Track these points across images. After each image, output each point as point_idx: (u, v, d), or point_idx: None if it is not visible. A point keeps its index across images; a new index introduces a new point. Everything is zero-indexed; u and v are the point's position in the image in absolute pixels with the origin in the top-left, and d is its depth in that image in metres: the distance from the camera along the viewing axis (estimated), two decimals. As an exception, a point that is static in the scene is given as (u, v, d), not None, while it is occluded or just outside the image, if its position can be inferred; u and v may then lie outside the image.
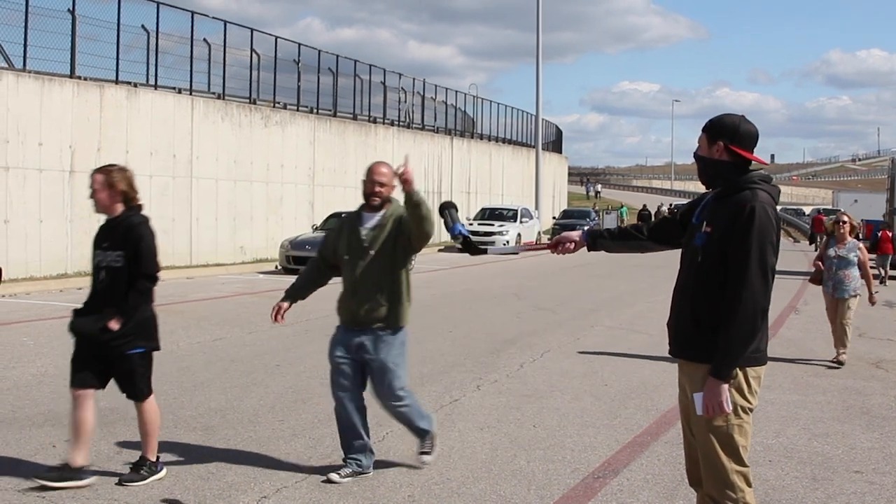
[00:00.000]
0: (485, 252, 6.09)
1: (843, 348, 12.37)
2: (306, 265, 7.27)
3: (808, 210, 72.51)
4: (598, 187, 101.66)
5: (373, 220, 6.73)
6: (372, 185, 6.69)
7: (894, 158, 30.02)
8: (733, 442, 4.44)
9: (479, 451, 7.59)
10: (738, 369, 4.41)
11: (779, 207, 4.50)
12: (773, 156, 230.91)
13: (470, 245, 5.99)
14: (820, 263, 12.62)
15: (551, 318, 16.53)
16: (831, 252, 12.53)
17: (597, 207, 63.02)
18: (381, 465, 7.09)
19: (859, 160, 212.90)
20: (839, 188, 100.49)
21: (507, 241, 36.22)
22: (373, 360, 6.64)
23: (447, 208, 6.15)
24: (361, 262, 6.65)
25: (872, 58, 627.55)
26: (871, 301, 12.61)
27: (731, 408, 4.37)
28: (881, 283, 27.29)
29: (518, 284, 23.22)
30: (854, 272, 12.36)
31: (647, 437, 8.19)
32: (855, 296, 12.44)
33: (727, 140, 4.52)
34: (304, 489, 6.46)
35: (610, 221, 59.23)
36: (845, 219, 12.68)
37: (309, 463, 7.11)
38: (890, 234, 28.76)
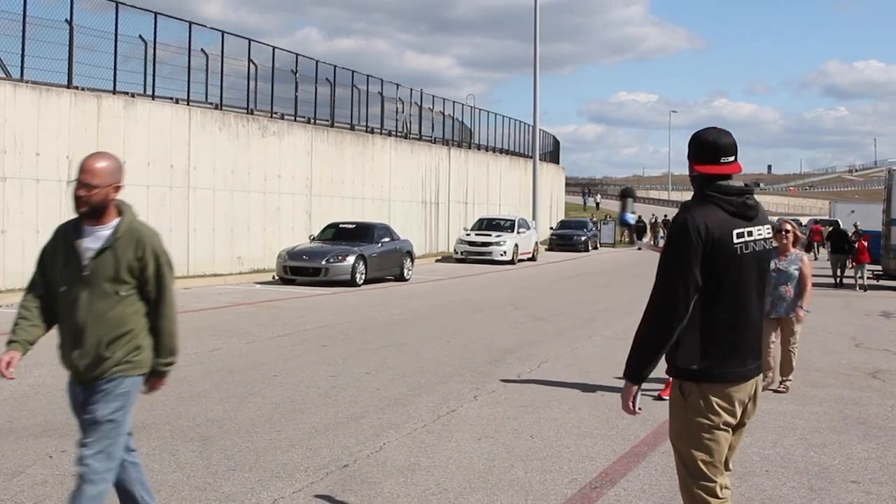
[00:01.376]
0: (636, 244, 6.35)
1: (787, 376, 11.01)
2: (24, 300, 5.06)
3: (804, 220, 72.51)
4: (598, 198, 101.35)
5: (96, 237, 4.87)
6: (78, 186, 4.81)
7: (891, 169, 30.03)
8: (692, 457, 4.48)
9: (477, 462, 7.59)
10: (694, 385, 4.44)
11: (774, 218, 4.52)
12: (769, 166, 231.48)
13: (633, 232, 6.19)
14: None
15: (549, 328, 16.54)
16: (771, 264, 11.31)
17: (594, 218, 62.97)
18: (378, 475, 7.09)
19: (856, 171, 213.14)
20: (836, 199, 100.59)
21: (504, 252, 36.29)
22: (86, 414, 4.92)
23: (627, 196, 5.98)
24: (82, 297, 4.83)
25: (870, 69, 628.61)
26: (797, 317, 10.97)
27: (637, 410, 4.53)
28: (863, 289, 28.40)
29: (516, 294, 23.22)
30: (793, 287, 10.93)
31: (644, 447, 8.19)
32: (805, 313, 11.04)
33: (690, 157, 4.63)
34: (301, 499, 6.46)
35: (607, 232, 59.25)
36: (788, 227, 11.10)
37: (306, 473, 7.10)
38: (866, 244, 29.52)
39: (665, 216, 64.65)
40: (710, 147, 4.55)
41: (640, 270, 34.62)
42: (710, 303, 4.41)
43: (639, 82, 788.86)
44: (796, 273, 10.89)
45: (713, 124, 4.76)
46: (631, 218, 6.01)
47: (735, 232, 4.44)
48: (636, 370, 4.48)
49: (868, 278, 29.27)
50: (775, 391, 10.81)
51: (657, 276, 4.46)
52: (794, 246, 11.14)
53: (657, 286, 4.44)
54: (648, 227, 57.79)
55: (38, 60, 21.78)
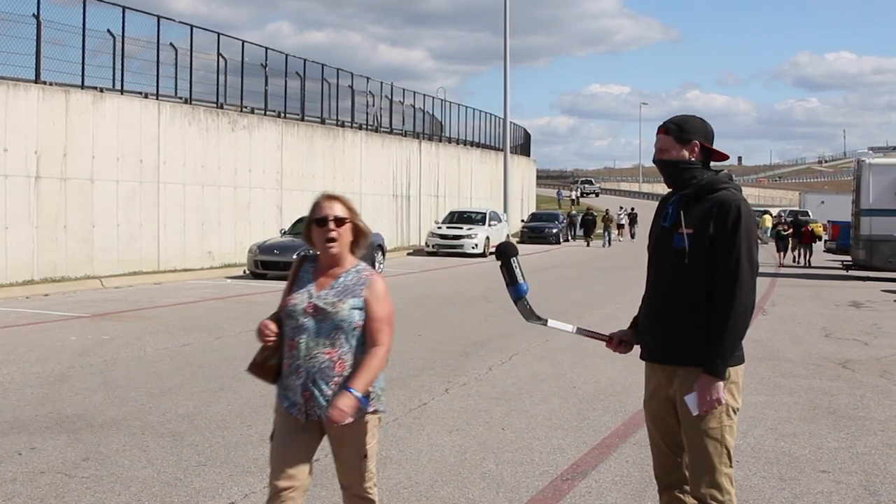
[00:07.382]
0: (544, 323, 5.54)
1: None
2: None
3: (774, 212, 72.98)
4: (575, 194, 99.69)
5: None
6: None
7: (860, 160, 30.27)
8: (725, 443, 4.43)
9: (448, 455, 7.59)
10: (730, 369, 4.38)
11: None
12: (740, 158, 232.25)
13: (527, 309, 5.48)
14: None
15: (520, 320, 16.44)
16: (300, 299, 4.91)
17: (559, 211, 62.20)
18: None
19: (826, 162, 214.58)
20: (806, 190, 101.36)
21: (476, 245, 36.33)
22: None
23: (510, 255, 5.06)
24: None
25: (841, 60, 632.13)
26: (332, 416, 4.63)
27: (724, 403, 4.36)
28: (808, 264, 35.21)
29: (487, 287, 23.20)
30: (348, 350, 4.98)
31: (615, 438, 8.22)
32: (371, 412, 4.94)
33: (702, 139, 4.55)
34: (272, 494, 6.43)
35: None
36: (339, 211, 4.82)
37: (277, 468, 7.07)
38: (810, 229, 37.84)
39: (632, 209, 63.87)
40: (712, 131, 4.61)
41: (611, 262, 34.76)
42: None
43: (612, 74, 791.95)
44: (356, 318, 5.02)
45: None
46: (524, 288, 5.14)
47: None
48: (726, 367, 4.36)
49: (838, 268, 30.62)
50: None
51: (735, 268, 4.34)
52: (354, 252, 5.05)
53: (742, 279, 4.33)
54: (599, 220, 55.28)
55: (4, 55, 21.61)
